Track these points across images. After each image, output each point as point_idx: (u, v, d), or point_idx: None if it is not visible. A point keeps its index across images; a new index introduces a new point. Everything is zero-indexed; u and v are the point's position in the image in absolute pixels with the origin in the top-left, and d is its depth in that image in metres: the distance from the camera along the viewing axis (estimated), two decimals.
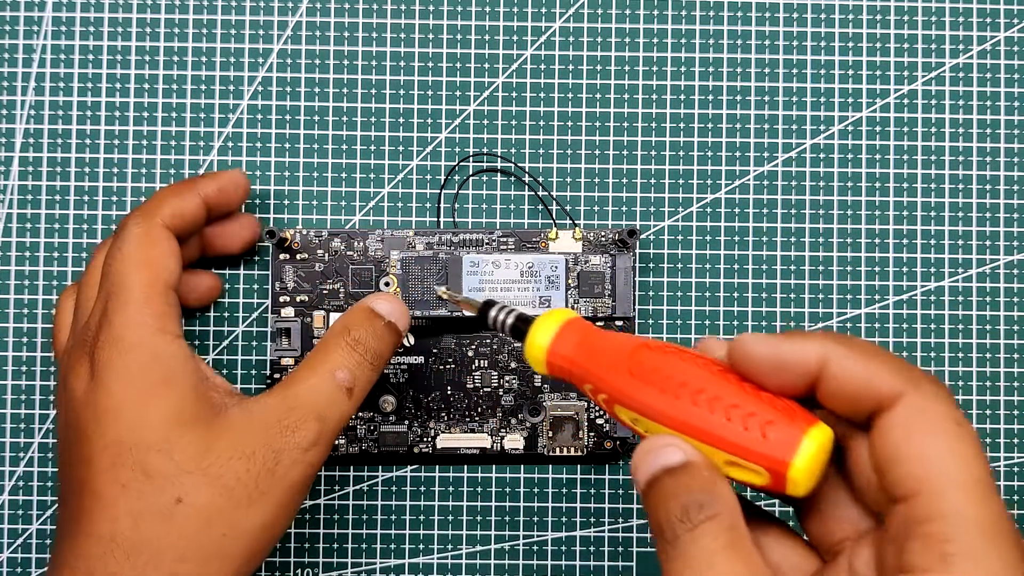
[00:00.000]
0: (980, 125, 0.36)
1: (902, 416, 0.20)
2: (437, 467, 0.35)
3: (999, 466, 0.36)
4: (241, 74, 0.36)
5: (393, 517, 0.35)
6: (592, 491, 0.35)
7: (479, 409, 0.34)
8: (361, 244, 0.34)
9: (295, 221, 0.35)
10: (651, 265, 0.36)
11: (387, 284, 0.34)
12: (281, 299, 0.34)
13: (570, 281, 0.34)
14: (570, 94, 0.36)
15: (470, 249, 0.34)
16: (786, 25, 0.36)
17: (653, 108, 0.36)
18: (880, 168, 0.36)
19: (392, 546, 0.35)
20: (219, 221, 0.33)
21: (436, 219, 0.36)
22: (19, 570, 0.35)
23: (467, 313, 0.31)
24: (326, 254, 0.34)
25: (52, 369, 0.35)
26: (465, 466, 0.35)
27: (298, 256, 0.34)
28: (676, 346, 0.23)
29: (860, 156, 0.36)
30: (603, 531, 0.35)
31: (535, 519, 0.35)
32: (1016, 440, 0.36)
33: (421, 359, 0.34)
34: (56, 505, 0.35)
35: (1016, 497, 0.35)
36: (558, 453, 0.34)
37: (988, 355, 0.36)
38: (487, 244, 0.34)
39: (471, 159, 0.36)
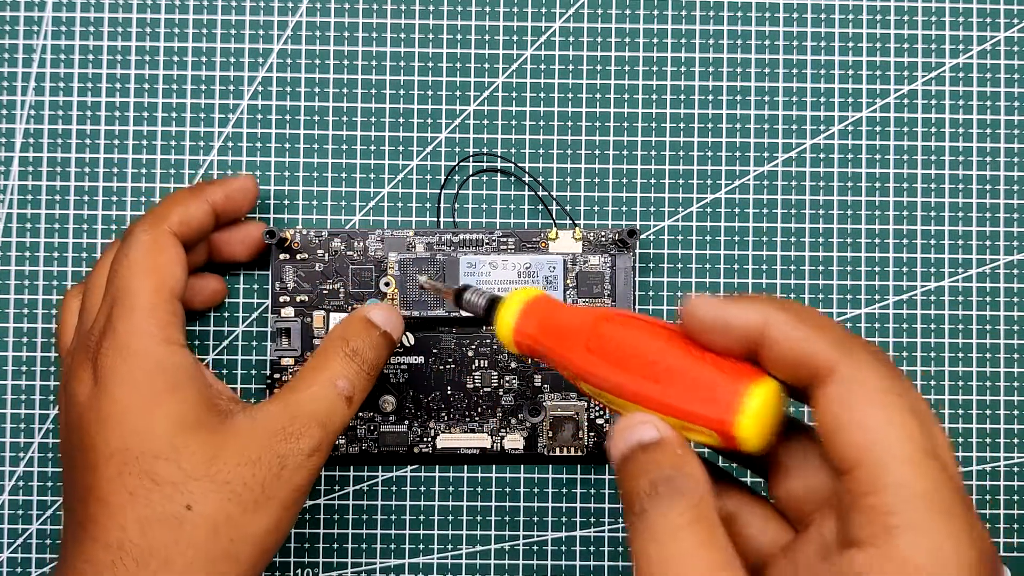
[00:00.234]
0: (980, 125, 0.36)
1: (838, 387, 0.19)
2: (437, 467, 0.35)
3: (999, 466, 0.36)
4: (241, 74, 0.36)
5: (393, 517, 0.35)
6: (592, 491, 0.35)
7: (479, 409, 0.34)
8: (361, 244, 0.34)
9: (295, 221, 0.35)
10: (651, 265, 0.36)
11: (387, 284, 0.34)
12: (281, 299, 0.34)
13: (569, 281, 0.34)
14: (570, 94, 0.36)
15: (469, 249, 0.34)
16: (786, 25, 0.36)
17: (653, 108, 0.36)
18: (880, 168, 0.36)
19: (392, 546, 0.35)
20: (226, 227, 0.33)
21: (436, 219, 0.36)
22: (19, 570, 0.35)
23: (446, 300, 0.32)
24: (326, 254, 0.34)
25: (52, 369, 0.35)
26: (465, 466, 0.35)
27: (298, 256, 0.34)
28: (634, 316, 0.23)
29: (860, 156, 0.36)
30: (603, 531, 0.35)
31: (535, 519, 0.35)
32: (1016, 440, 0.36)
33: (421, 359, 0.34)
34: (56, 506, 0.35)
35: (1016, 497, 0.35)
36: (558, 453, 0.34)
37: (988, 355, 0.36)
38: (487, 244, 0.34)
39: (471, 159, 0.36)
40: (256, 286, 0.35)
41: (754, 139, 0.36)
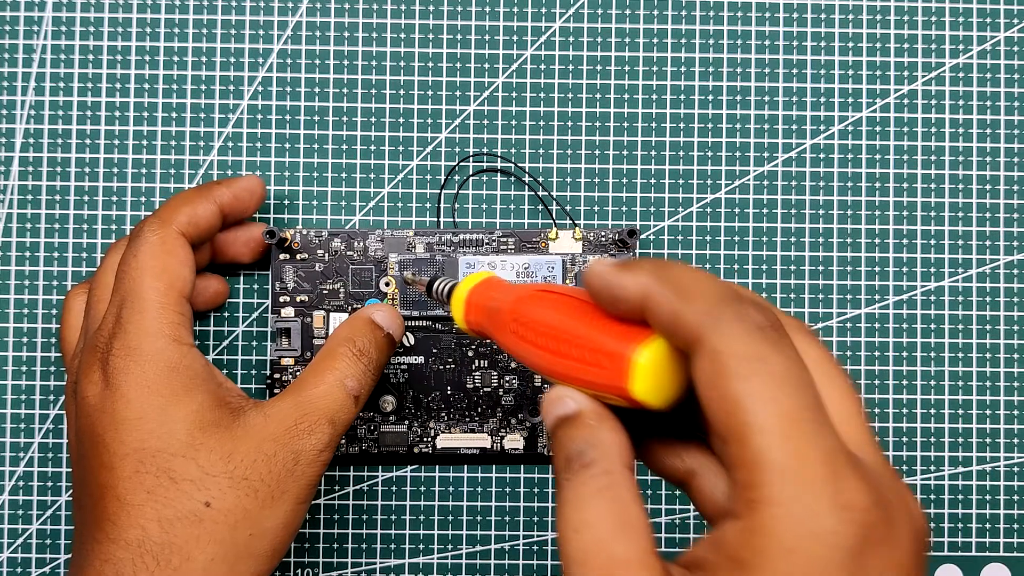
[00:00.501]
0: (980, 125, 0.36)
1: (702, 360, 0.19)
2: (437, 467, 0.35)
3: (999, 466, 0.36)
4: (241, 74, 0.36)
5: (393, 517, 0.35)
6: None
7: (479, 409, 0.34)
8: (361, 244, 0.34)
9: (295, 221, 0.35)
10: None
11: (387, 284, 0.34)
12: (281, 299, 0.34)
13: (568, 281, 0.34)
14: (570, 94, 0.36)
15: (469, 249, 0.34)
16: (786, 25, 0.36)
17: (653, 108, 0.36)
18: (880, 168, 0.36)
19: (392, 546, 0.35)
20: (230, 228, 0.33)
21: (436, 219, 0.36)
22: (19, 570, 0.35)
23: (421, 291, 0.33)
24: (326, 254, 0.34)
25: (52, 369, 0.35)
26: (465, 466, 0.35)
27: (298, 256, 0.34)
28: (549, 292, 0.24)
29: (860, 156, 0.36)
30: None
31: (535, 519, 0.35)
32: (1016, 440, 0.36)
33: (421, 359, 0.34)
34: (55, 506, 0.35)
35: (1016, 497, 0.35)
36: None
37: (988, 355, 0.36)
38: (487, 244, 0.34)
39: (471, 159, 0.36)
40: (256, 286, 0.35)
41: (754, 139, 0.36)
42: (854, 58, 0.36)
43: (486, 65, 0.36)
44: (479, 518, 0.35)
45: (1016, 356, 0.36)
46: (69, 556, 0.35)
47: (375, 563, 0.35)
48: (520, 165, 0.36)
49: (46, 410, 0.35)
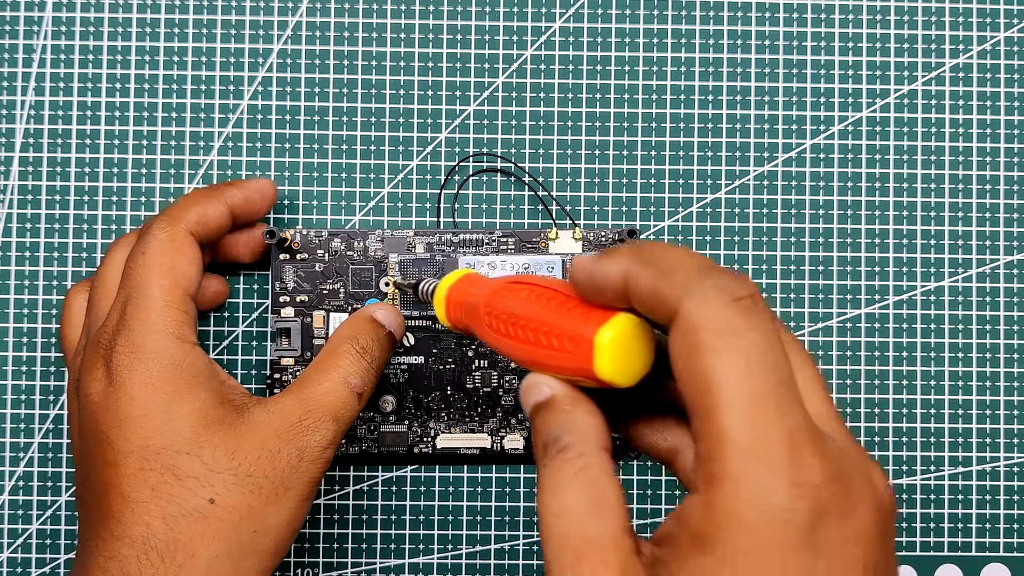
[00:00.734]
0: (980, 125, 0.36)
1: (676, 333, 0.19)
2: (437, 467, 0.35)
3: (999, 466, 0.36)
4: (241, 74, 0.36)
5: (393, 517, 0.35)
6: None
7: (479, 409, 0.34)
8: (361, 244, 0.34)
9: (295, 221, 0.35)
10: None
11: (387, 284, 0.34)
12: (281, 299, 0.34)
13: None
14: (570, 94, 0.36)
15: (469, 249, 0.34)
16: (786, 25, 0.36)
17: (653, 108, 0.36)
18: (880, 168, 0.36)
19: (392, 546, 0.35)
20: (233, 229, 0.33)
21: (436, 219, 0.36)
22: (19, 570, 0.35)
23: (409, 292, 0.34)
24: (326, 254, 0.34)
25: (52, 369, 0.35)
26: (465, 466, 0.35)
27: (298, 256, 0.34)
28: (520, 283, 0.24)
29: (860, 156, 0.36)
30: None
31: (535, 519, 0.35)
32: (1016, 440, 0.36)
33: (421, 359, 0.34)
34: (55, 506, 0.35)
35: (1016, 497, 0.35)
36: None
37: (988, 355, 0.36)
38: (487, 244, 0.34)
39: (471, 159, 0.36)
40: (256, 286, 0.35)
41: (754, 139, 0.36)
42: (854, 58, 0.36)
43: (486, 65, 0.36)
44: (479, 518, 0.35)
45: (1016, 356, 0.36)
46: (69, 556, 0.35)
47: (375, 563, 0.35)
48: (520, 165, 0.36)
49: (46, 410, 0.35)
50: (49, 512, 0.35)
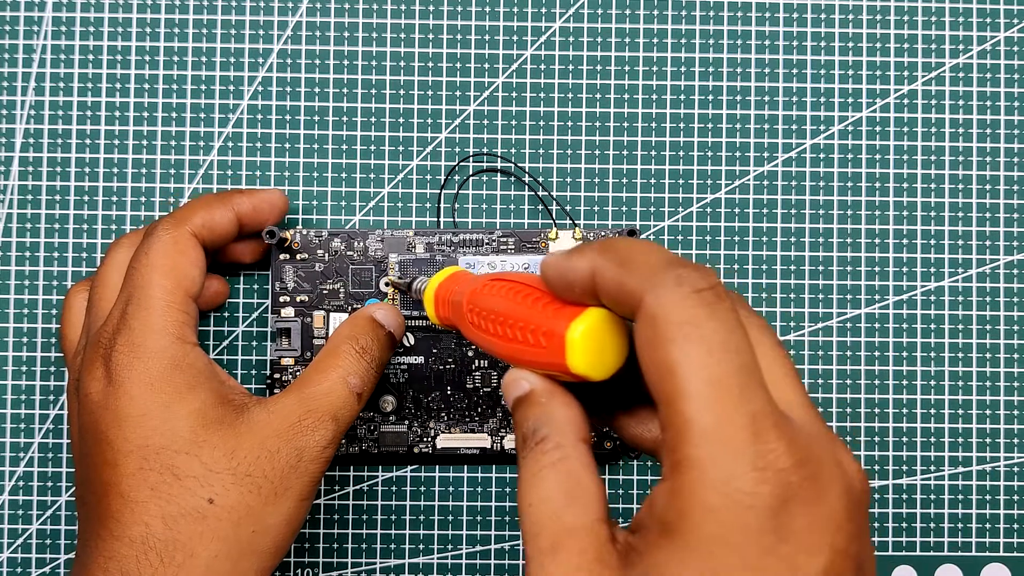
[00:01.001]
0: (980, 125, 0.36)
1: (640, 325, 0.19)
2: (437, 467, 0.35)
3: (999, 466, 0.36)
4: (241, 74, 0.36)
5: (393, 517, 0.35)
6: None
7: (479, 409, 0.34)
8: (361, 244, 0.34)
9: (295, 221, 0.35)
10: None
11: (387, 284, 0.34)
12: (281, 299, 0.34)
13: None
14: (570, 94, 0.36)
15: (469, 249, 0.34)
16: (786, 25, 0.36)
17: (653, 108, 0.36)
18: (880, 168, 0.36)
19: (392, 546, 0.35)
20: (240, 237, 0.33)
21: (436, 219, 0.36)
22: (19, 570, 0.35)
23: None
24: (326, 254, 0.34)
25: (52, 369, 0.35)
26: (465, 466, 0.35)
27: (298, 256, 0.34)
28: (500, 280, 0.24)
29: (860, 156, 0.36)
30: None
31: None
32: (1016, 440, 0.36)
33: (421, 359, 0.34)
34: (55, 506, 0.35)
35: (1016, 497, 0.35)
36: None
37: (988, 355, 0.36)
38: (487, 244, 0.34)
39: (471, 159, 0.36)
40: (256, 286, 0.35)
41: (754, 139, 0.36)
42: (854, 58, 0.36)
43: (486, 65, 0.36)
44: (479, 518, 0.35)
45: (1016, 356, 0.36)
46: (69, 556, 0.35)
47: (375, 563, 0.35)
48: (520, 165, 0.36)
49: (46, 410, 0.35)
50: (49, 512, 0.35)
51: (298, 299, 0.34)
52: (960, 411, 0.36)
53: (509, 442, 0.34)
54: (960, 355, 0.36)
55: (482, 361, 0.34)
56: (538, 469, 0.21)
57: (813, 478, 0.18)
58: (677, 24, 0.36)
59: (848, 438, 0.35)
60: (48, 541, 0.35)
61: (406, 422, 0.34)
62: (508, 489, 0.35)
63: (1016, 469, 0.36)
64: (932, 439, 0.36)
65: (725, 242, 0.36)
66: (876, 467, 0.35)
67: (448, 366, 0.34)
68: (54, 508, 0.35)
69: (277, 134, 0.36)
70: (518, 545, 0.35)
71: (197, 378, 0.28)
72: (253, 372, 0.35)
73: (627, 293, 0.20)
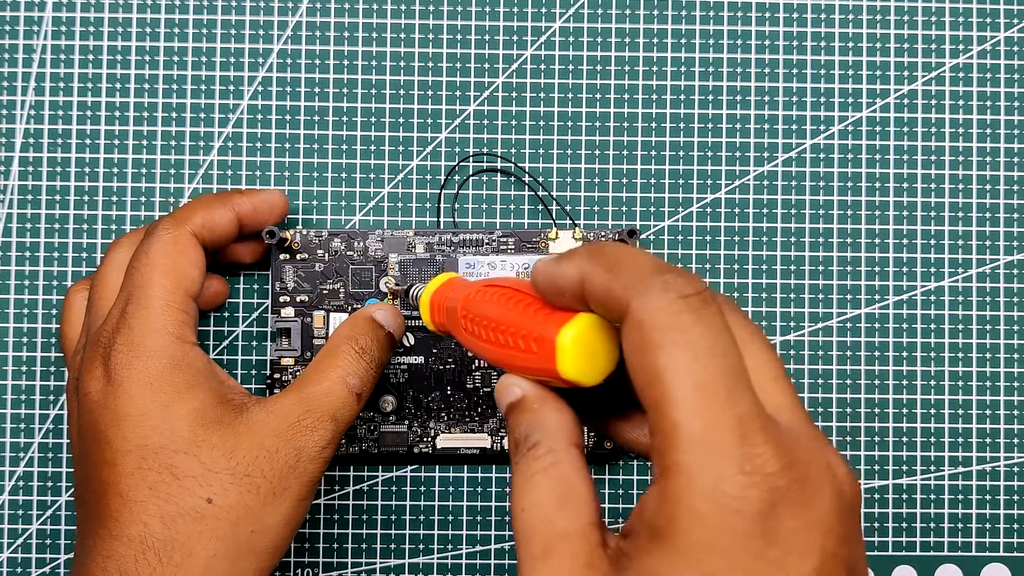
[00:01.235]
0: (980, 125, 0.36)
1: (627, 331, 0.19)
2: (437, 467, 0.35)
3: (999, 466, 0.36)
4: (241, 74, 0.36)
5: (393, 517, 0.35)
6: None
7: (479, 409, 0.34)
8: (361, 244, 0.34)
9: (295, 221, 0.35)
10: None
11: (387, 285, 0.34)
12: (281, 299, 0.34)
13: None
14: (570, 94, 0.36)
15: (469, 249, 0.34)
16: (786, 25, 0.36)
17: (653, 108, 0.36)
18: (880, 168, 0.36)
19: (392, 546, 0.35)
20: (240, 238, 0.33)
21: (436, 219, 0.36)
22: (19, 570, 0.35)
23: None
24: (326, 254, 0.34)
25: (52, 369, 0.35)
26: (465, 466, 0.35)
27: (298, 256, 0.34)
28: (493, 286, 0.24)
29: (860, 156, 0.36)
30: None
31: None
32: (1016, 440, 0.36)
33: (421, 359, 0.34)
34: (55, 506, 0.35)
35: (1016, 497, 0.35)
36: None
37: (988, 355, 0.36)
38: (487, 244, 0.34)
39: (471, 159, 0.36)
40: (256, 286, 0.35)
41: (754, 139, 0.36)
42: (854, 58, 0.36)
43: (486, 65, 0.36)
44: (479, 518, 0.35)
45: (1016, 356, 0.36)
46: (69, 556, 0.35)
47: (375, 563, 0.35)
48: (520, 165, 0.36)
49: (46, 410, 0.35)
50: (49, 512, 0.35)
51: (298, 299, 0.34)
52: (960, 411, 0.36)
53: None
54: (960, 355, 0.36)
55: (482, 361, 0.34)
56: (530, 474, 0.21)
57: (802, 481, 0.18)
58: (677, 24, 0.36)
59: (848, 438, 0.35)
60: (48, 541, 0.35)
61: (406, 422, 0.34)
62: (508, 489, 0.35)
63: (1016, 469, 0.36)
64: (932, 439, 0.36)
65: (725, 242, 0.36)
66: (876, 467, 0.35)
67: (448, 366, 0.34)
68: (54, 508, 0.35)
69: (277, 134, 0.36)
70: None
71: (196, 378, 0.28)
72: (253, 372, 0.35)
73: (614, 299, 0.20)
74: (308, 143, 0.36)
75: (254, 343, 0.35)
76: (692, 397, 0.18)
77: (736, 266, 0.36)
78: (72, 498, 0.35)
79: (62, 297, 0.35)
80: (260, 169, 0.36)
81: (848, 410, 0.36)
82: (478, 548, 0.35)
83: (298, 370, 0.34)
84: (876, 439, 0.35)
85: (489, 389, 0.34)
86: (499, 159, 0.36)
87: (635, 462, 0.35)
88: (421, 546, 0.35)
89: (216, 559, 0.26)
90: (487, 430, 0.34)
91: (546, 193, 0.36)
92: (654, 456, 0.19)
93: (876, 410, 0.36)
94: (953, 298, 0.36)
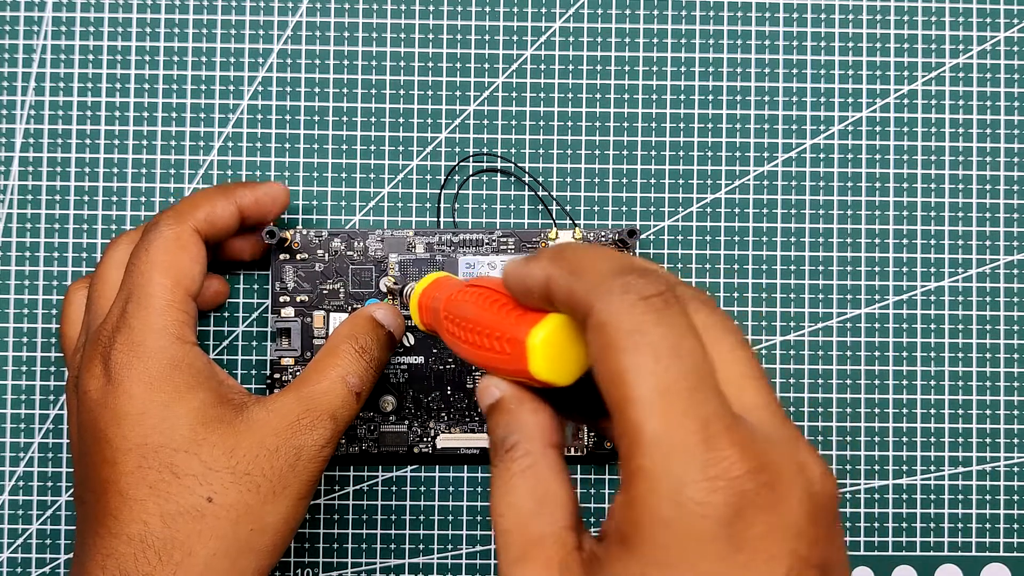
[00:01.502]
0: (980, 125, 0.36)
1: (589, 334, 0.19)
2: (437, 467, 0.35)
3: (999, 466, 0.36)
4: (241, 74, 0.36)
5: (393, 517, 0.35)
6: (592, 491, 0.35)
7: (479, 409, 0.34)
8: (361, 244, 0.34)
9: (295, 221, 0.35)
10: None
11: (387, 284, 0.34)
12: (281, 299, 0.34)
13: None
14: (570, 94, 0.36)
15: (469, 249, 0.34)
16: (786, 25, 0.36)
17: (653, 108, 0.36)
18: (880, 168, 0.36)
19: (392, 546, 0.35)
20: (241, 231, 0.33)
21: (436, 219, 0.36)
22: (19, 570, 0.35)
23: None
24: (326, 254, 0.34)
25: (52, 369, 0.35)
26: (465, 466, 0.35)
27: (298, 256, 0.34)
28: (474, 287, 0.24)
29: (860, 156, 0.36)
30: None
31: None
32: (1016, 440, 0.36)
33: (421, 359, 0.34)
34: (55, 506, 0.35)
35: (1016, 497, 0.35)
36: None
37: (988, 355, 0.36)
38: (487, 244, 0.34)
39: (471, 159, 0.36)
40: (256, 286, 0.35)
41: (754, 139, 0.36)
42: (854, 58, 0.36)
43: (486, 65, 0.36)
44: (479, 518, 0.35)
45: (1016, 356, 0.36)
46: (69, 556, 0.35)
47: (375, 563, 0.35)
48: (520, 165, 0.36)
49: (46, 410, 0.35)
50: (49, 512, 0.35)
51: (298, 299, 0.34)
52: (960, 411, 0.36)
53: None
54: (960, 355, 0.36)
55: None
56: (508, 477, 0.21)
57: (770, 485, 0.18)
58: (677, 24, 0.36)
59: (848, 438, 0.35)
60: (48, 541, 0.35)
61: (406, 422, 0.34)
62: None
63: (1016, 469, 0.36)
64: (932, 439, 0.36)
65: (725, 242, 0.36)
66: (876, 467, 0.35)
67: (448, 366, 0.34)
68: (54, 508, 0.35)
69: (277, 134, 0.36)
70: None
71: (196, 378, 0.28)
72: (253, 372, 0.35)
73: (577, 302, 0.19)
74: (308, 143, 0.36)
75: (254, 343, 0.35)
76: (654, 400, 0.18)
77: (736, 266, 0.36)
78: (72, 498, 0.35)
79: (62, 297, 0.35)
80: (260, 169, 0.35)
81: (848, 410, 0.36)
82: (478, 548, 0.35)
83: (298, 370, 0.34)
84: (876, 439, 0.35)
85: None
86: (499, 159, 0.36)
87: None
88: (421, 546, 0.35)
89: (216, 558, 0.26)
90: (487, 430, 0.34)
91: (546, 193, 0.36)
92: (620, 460, 0.19)
93: (876, 410, 0.36)
94: (953, 298, 0.36)
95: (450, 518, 0.35)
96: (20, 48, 0.35)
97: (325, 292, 0.34)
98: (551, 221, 0.35)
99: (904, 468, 0.35)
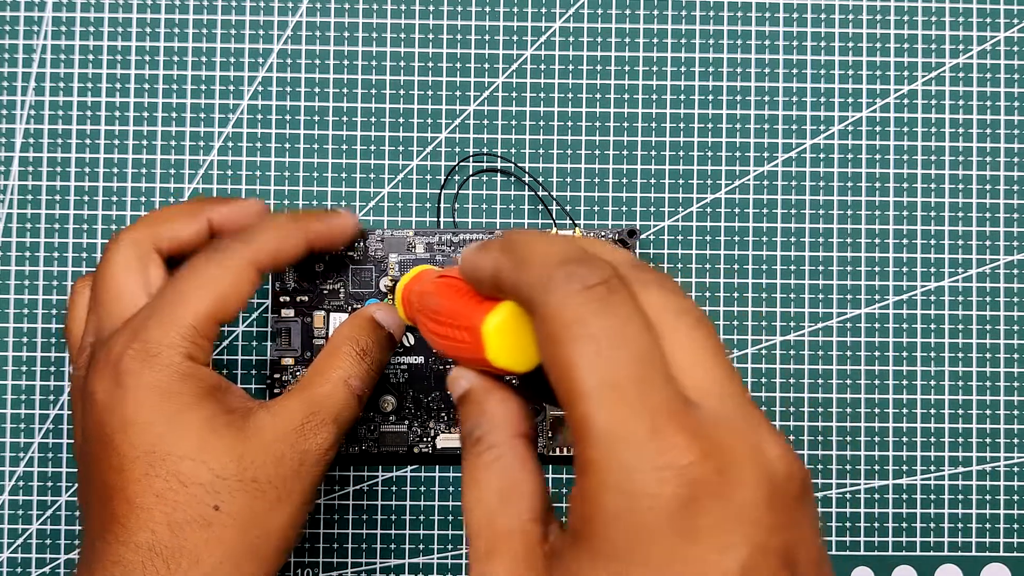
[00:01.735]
0: (980, 125, 0.36)
1: (535, 325, 0.19)
2: (437, 467, 0.35)
3: (999, 466, 0.36)
4: (241, 74, 0.36)
5: (393, 517, 0.35)
6: None
7: None
8: (361, 244, 0.34)
9: None
10: (651, 265, 0.36)
11: (387, 284, 0.34)
12: (281, 299, 0.34)
13: None
14: (570, 94, 0.36)
15: None
16: (786, 25, 0.36)
17: (653, 108, 0.36)
18: (880, 168, 0.36)
19: (392, 546, 0.35)
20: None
21: (436, 219, 0.36)
22: (19, 570, 0.35)
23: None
24: (326, 254, 0.34)
25: (53, 369, 0.35)
26: None
27: None
28: (444, 277, 0.24)
29: (860, 156, 0.36)
30: None
31: None
32: (1016, 440, 0.36)
33: (421, 359, 0.34)
34: (55, 506, 0.35)
35: (1016, 497, 0.35)
36: (558, 453, 0.34)
37: (988, 355, 0.36)
38: None
39: (471, 159, 0.36)
40: None
41: (754, 139, 0.36)
42: (854, 58, 0.36)
43: (486, 65, 0.36)
44: None
45: (1016, 356, 0.36)
46: (69, 556, 0.35)
47: (375, 563, 0.35)
48: (520, 165, 0.36)
49: (46, 410, 0.35)
50: (49, 512, 0.35)
51: (298, 299, 0.34)
52: (960, 411, 0.36)
53: None
54: (960, 355, 0.36)
55: None
56: (474, 471, 0.21)
57: (722, 471, 0.17)
58: (677, 24, 0.36)
59: (848, 438, 0.35)
60: (48, 541, 0.35)
61: (406, 422, 0.34)
62: None
63: (1016, 469, 0.36)
64: (932, 439, 0.36)
65: (725, 242, 0.36)
66: (876, 467, 0.35)
67: (448, 366, 0.34)
68: (54, 508, 0.35)
69: (277, 134, 0.36)
70: None
71: (206, 388, 0.28)
72: (253, 372, 0.35)
73: (523, 294, 0.19)
74: (308, 143, 0.36)
75: (254, 343, 0.35)
76: (600, 392, 0.17)
77: (736, 266, 0.36)
78: (72, 498, 0.35)
79: (62, 297, 0.35)
80: (260, 169, 0.36)
81: (848, 410, 0.36)
82: None
83: (298, 370, 0.34)
84: (876, 439, 0.35)
85: None
86: (499, 159, 0.36)
87: None
88: (421, 546, 0.35)
89: (222, 565, 0.26)
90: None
91: (546, 193, 0.36)
92: (574, 453, 0.18)
93: (876, 410, 0.36)
94: (953, 298, 0.36)
95: (450, 518, 0.35)
96: (20, 48, 0.35)
97: (325, 292, 0.34)
98: (551, 221, 0.36)
99: (904, 468, 0.35)
